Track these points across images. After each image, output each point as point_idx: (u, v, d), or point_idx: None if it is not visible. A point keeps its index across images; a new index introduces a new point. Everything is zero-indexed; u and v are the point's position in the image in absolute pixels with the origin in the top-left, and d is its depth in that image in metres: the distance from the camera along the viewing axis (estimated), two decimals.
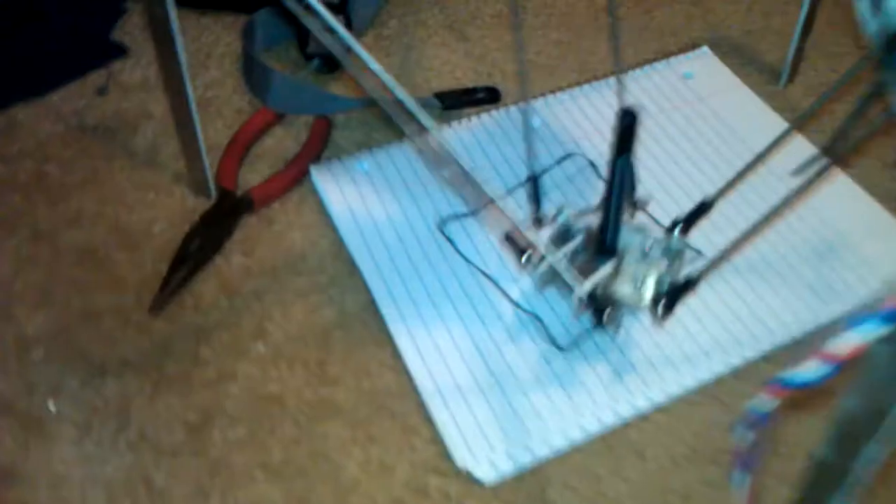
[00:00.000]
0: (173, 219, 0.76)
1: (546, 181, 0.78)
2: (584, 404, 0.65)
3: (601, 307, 0.64)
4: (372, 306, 0.71)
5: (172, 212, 0.76)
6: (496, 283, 0.71)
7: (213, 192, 0.77)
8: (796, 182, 0.66)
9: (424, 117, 0.64)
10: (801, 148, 0.80)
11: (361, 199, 0.77)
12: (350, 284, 0.72)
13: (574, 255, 0.66)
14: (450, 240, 0.74)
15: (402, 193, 0.77)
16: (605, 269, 0.64)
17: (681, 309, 0.70)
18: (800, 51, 0.87)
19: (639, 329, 0.69)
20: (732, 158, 0.80)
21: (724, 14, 0.97)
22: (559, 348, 0.68)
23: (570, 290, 0.64)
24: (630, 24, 0.95)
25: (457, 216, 0.76)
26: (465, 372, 0.66)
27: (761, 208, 0.76)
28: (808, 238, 0.75)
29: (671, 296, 0.64)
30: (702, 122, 0.84)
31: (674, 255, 0.66)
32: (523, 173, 0.79)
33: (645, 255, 0.65)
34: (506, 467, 0.61)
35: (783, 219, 0.76)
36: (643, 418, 0.65)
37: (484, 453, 0.62)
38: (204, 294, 0.71)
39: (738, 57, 0.91)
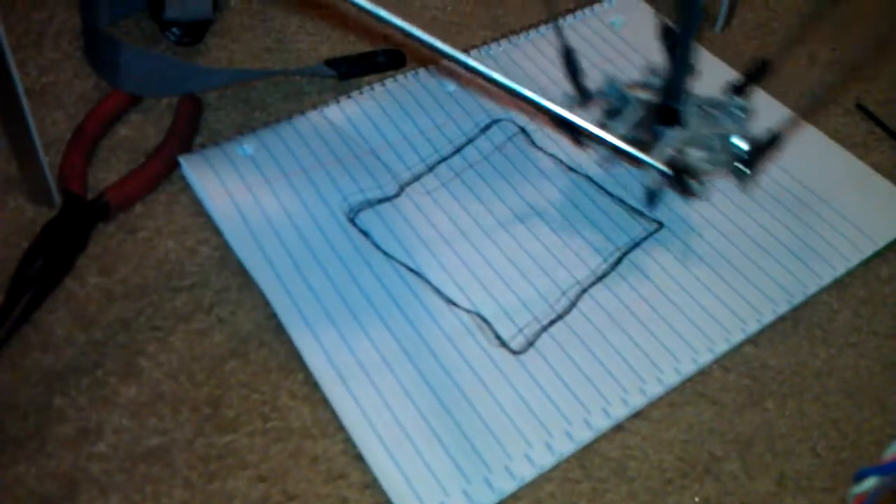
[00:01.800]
0: (7, 235, 0.60)
1: (472, 153, 0.66)
2: (549, 419, 0.53)
3: (681, 178, 0.59)
4: (273, 323, 0.57)
5: (5, 226, 0.61)
6: (426, 280, 0.58)
7: (57, 199, 0.62)
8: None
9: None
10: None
11: (248, 191, 0.62)
12: (243, 299, 0.58)
13: (633, 128, 0.60)
14: (364, 232, 0.60)
15: (300, 180, 0.63)
16: (675, 135, 0.59)
17: (652, 293, 0.59)
18: None
19: (606, 320, 0.57)
20: None
21: None
22: (512, 352, 0.55)
23: (640, 164, 0.59)
24: None
25: (370, 203, 0.62)
26: (399, 394, 0.53)
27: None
28: (781, 199, 0.65)
29: (755, 154, 0.59)
30: (637, 73, 0.72)
31: (741, 115, 0.61)
32: (442, 145, 0.66)
33: (713, 118, 0.60)
34: None
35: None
36: (620, 428, 0.54)
37: (435, 497, 0.49)
38: (53, 328, 0.56)
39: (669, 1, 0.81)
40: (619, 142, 0.58)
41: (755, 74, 0.64)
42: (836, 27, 0.80)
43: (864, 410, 0.56)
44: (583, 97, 0.63)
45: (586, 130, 0.58)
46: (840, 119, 0.73)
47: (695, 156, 0.59)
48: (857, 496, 0.30)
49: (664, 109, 0.60)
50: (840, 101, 0.74)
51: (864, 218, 0.65)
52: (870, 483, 0.29)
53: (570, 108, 0.58)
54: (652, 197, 0.63)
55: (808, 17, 0.65)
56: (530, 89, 0.55)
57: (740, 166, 0.60)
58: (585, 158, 0.66)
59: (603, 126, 0.60)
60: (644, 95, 0.62)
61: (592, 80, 0.64)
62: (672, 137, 0.59)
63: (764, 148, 0.60)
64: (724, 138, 0.60)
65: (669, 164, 0.59)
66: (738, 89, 0.63)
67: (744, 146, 0.60)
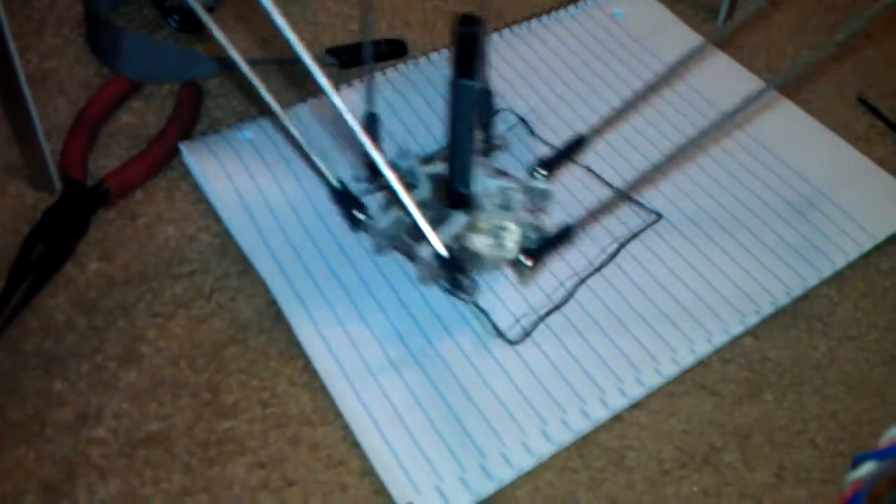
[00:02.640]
0: (8, 221, 0.60)
1: None
2: (546, 408, 0.53)
3: (457, 268, 0.54)
4: (273, 310, 0.57)
5: (7, 212, 0.61)
6: None
7: (58, 185, 0.62)
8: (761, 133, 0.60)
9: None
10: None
11: (249, 176, 0.62)
12: (243, 286, 0.58)
13: (421, 208, 0.53)
14: None
15: (299, 165, 0.63)
16: (460, 220, 0.55)
17: (650, 284, 0.59)
18: None
19: (604, 311, 0.57)
20: (679, 104, 0.70)
21: None
22: (508, 341, 0.55)
23: (415, 251, 0.54)
24: None
25: (369, 191, 0.62)
26: (397, 382, 0.53)
27: (728, 165, 0.67)
28: (781, 192, 0.65)
29: (542, 248, 0.55)
30: (641, 65, 0.72)
31: (539, 199, 0.58)
32: (441, 133, 0.66)
33: (506, 202, 0.57)
34: (460, 498, 0.49)
35: (752, 175, 0.66)
36: (619, 419, 0.54)
37: (431, 483, 0.49)
38: (54, 313, 0.56)
39: None
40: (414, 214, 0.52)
41: (562, 154, 0.61)
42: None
43: (863, 402, 0.56)
44: (371, 174, 0.58)
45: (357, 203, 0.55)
46: (842, 113, 0.73)
47: (478, 244, 0.55)
48: (854, 482, 0.30)
49: (452, 192, 0.56)
50: (842, 95, 0.74)
51: (865, 212, 0.64)
52: (866, 469, 0.29)
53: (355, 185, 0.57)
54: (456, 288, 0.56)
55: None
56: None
57: (522, 259, 0.55)
58: (586, 149, 0.66)
59: (386, 205, 0.56)
60: (438, 169, 0.58)
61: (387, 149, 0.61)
62: (456, 221, 0.55)
63: (553, 242, 0.56)
64: (515, 226, 0.56)
65: (449, 248, 0.53)
66: (548, 165, 0.60)
67: (533, 237, 0.56)
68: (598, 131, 0.63)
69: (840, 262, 0.62)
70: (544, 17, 0.76)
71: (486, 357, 0.55)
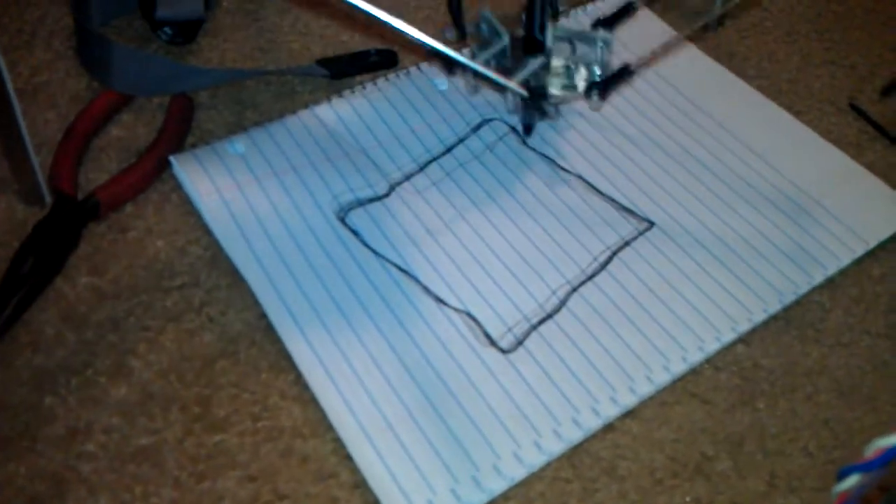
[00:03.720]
0: None
1: (463, 152, 0.66)
2: (538, 418, 0.53)
3: (537, 102, 0.64)
4: (263, 323, 0.56)
5: None
6: (416, 279, 0.58)
7: (48, 198, 0.62)
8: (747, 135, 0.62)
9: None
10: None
11: (239, 190, 0.62)
12: (233, 299, 0.58)
13: (501, 58, 0.64)
14: (354, 231, 0.60)
15: (290, 179, 0.63)
16: (536, 62, 0.63)
17: (642, 292, 0.59)
18: None
19: (596, 319, 0.57)
20: (675, 115, 0.70)
21: None
22: (501, 351, 0.55)
23: (503, 90, 0.64)
24: None
25: (360, 202, 0.62)
26: (388, 393, 0.53)
27: (715, 168, 0.67)
28: (773, 198, 0.65)
29: (606, 82, 0.64)
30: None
31: (602, 47, 0.63)
32: (433, 144, 0.66)
33: (573, 49, 0.64)
34: None
35: (743, 181, 0.66)
36: (611, 428, 0.54)
37: (423, 496, 0.49)
38: (44, 327, 0.56)
39: (661, 1, 0.81)
40: (482, 68, 0.62)
41: (622, 12, 0.69)
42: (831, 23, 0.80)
43: (855, 410, 0.56)
44: (461, 33, 0.66)
45: (455, 59, 0.61)
46: (833, 118, 0.73)
47: (552, 83, 0.64)
48: (841, 494, 0.30)
49: (527, 39, 0.63)
50: (833, 101, 0.74)
51: (856, 217, 0.64)
52: (853, 480, 0.29)
53: (447, 43, 0.61)
54: (527, 128, 0.67)
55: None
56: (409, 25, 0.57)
57: (593, 92, 0.64)
58: (577, 158, 0.66)
59: (472, 55, 0.63)
60: (516, 30, 0.65)
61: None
62: (533, 64, 0.63)
63: (615, 77, 0.64)
64: (582, 66, 0.64)
65: (526, 87, 0.63)
66: (606, 23, 0.68)
67: (597, 73, 0.64)
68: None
69: (832, 268, 0.61)
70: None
71: (479, 366, 0.54)
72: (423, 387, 0.53)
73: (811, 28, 0.80)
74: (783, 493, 0.52)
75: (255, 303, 0.57)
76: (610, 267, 0.60)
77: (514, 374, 0.54)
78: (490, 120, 0.68)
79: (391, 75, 0.71)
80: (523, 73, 0.63)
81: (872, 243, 0.63)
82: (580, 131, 0.68)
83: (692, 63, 0.75)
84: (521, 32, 0.64)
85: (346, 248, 0.59)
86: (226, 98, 0.69)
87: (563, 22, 0.71)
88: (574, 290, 0.59)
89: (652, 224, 0.63)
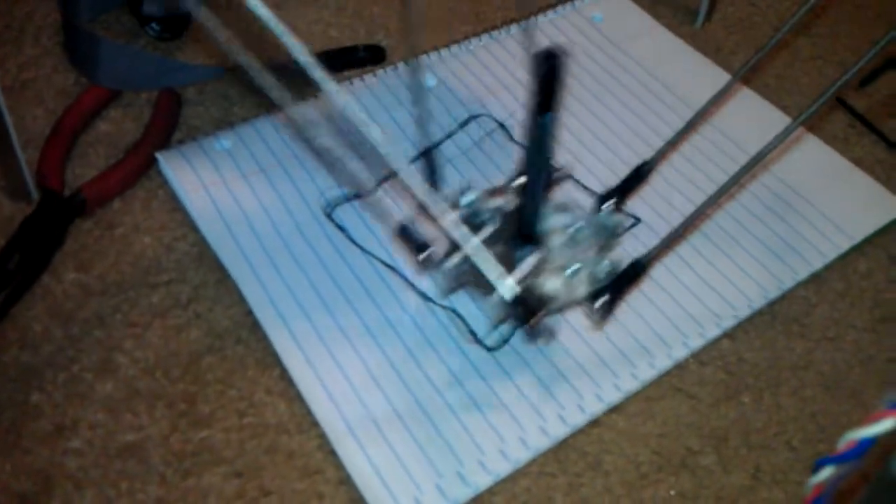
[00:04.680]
0: None
1: (450, 148, 0.66)
2: (523, 414, 0.53)
3: (527, 310, 0.51)
4: (250, 320, 0.57)
5: None
6: (402, 275, 0.58)
7: (35, 195, 0.62)
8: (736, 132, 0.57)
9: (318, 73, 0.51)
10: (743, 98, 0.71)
11: (225, 186, 0.62)
12: (219, 295, 0.58)
13: (488, 246, 0.52)
14: (340, 227, 0.60)
15: (276, 175, 0.63)
16: (531, 261, 0.52)
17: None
18: None
19: (580, 316, 0.57)
20: (662, 110, 0.70)
21: None
22: (486, 348, 0.55)
23: (487, 291, 0.51)
24: None
25: (346, 198, 0.62)
26: (373, 390, 0.53)
27: (706, 168, 0.66)
28: (759, 193, 0.65)
29: (615, 286, 0.52)
30: (620, 70, 0.72)
31: (609, 234, 0.55)
32: (417, 139, 0.66)
33: (574, 238, 0.53)
34: None
35: (728, 177, 0.65)
36: (596, 423, 0.54)
37: (408, 492, 0.49)
38: (31, 323, 0.56)
39: None
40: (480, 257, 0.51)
41: (629, 183, 0.60)
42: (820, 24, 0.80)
43: (841, 404, 0.56)
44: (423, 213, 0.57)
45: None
46: (820, 113, 0.73)
47: (547, 285, 0.53)
48: (816, 486, 0.30)
49: (522, 228, 0.54)
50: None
51: (843, 213, 0.64)
52: (827, 472, 0.29)
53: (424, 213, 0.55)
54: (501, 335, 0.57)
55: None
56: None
57: (598, 301, 0.53)
58: (565, 155, 0.66)
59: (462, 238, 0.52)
60: (505, 202, 0.56)
61: (459, 174, 0.62)
62: (528, 261, 0.53)
63: (623, 280, 0.53)
64: (585, 264, 0.53)
65: (520, 291, 0.51)
66: (615, 200, 0.59)
67: (602, 276, 0.53)
68: (658, 158, 0.61)
69: (817, 263, 0.62)
70: (523, 22, 0.76)
71: (463, 363, 0.55)
72: (407, 383, 0.53)
73: (799, 23, 0.80)
74: (767, 487, 0.52)
75: (242, 299, 0.57)
76: None
77: (498, 371, 0.54)
78: (477, 116, 0.68)
79: (379, 71, 0.71)
80: (519, 273, 0.52)
81: (858, 238, 0.63)
82: (568, 128, 0.68)
83: (678, 56, 0.75)
84: (506, 208, 0.55)
85: (332, 243, 0.59)
86: (213, 94, 0.69)
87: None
88: None
89: (638, 220, 0.63)
